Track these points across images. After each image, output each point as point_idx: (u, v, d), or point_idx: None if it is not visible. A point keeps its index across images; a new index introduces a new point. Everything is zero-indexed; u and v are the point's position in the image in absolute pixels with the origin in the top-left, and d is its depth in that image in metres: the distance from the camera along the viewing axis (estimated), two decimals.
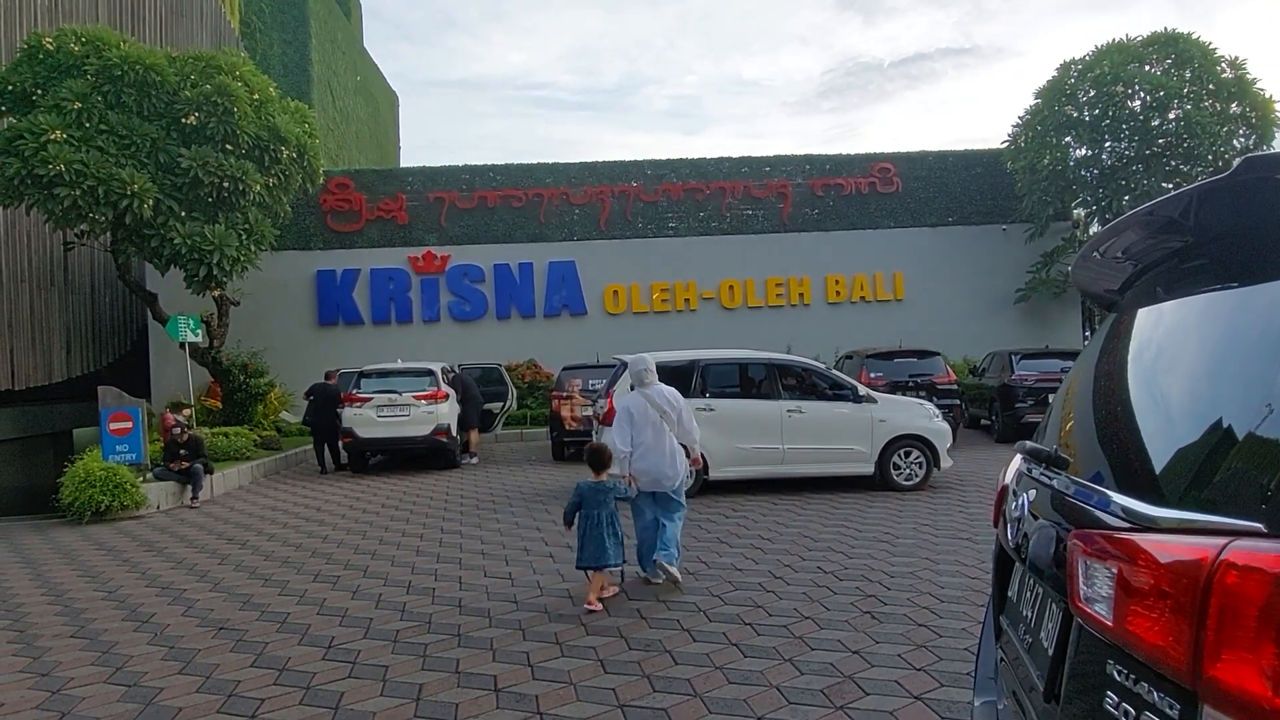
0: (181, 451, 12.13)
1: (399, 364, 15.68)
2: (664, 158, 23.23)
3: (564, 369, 16.45)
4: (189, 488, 12.03)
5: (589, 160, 22.80)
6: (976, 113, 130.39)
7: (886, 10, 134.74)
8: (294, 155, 17.08)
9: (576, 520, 6.32)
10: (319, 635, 5.78)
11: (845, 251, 22.76)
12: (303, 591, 6.95)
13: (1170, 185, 20.67)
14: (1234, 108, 20.06)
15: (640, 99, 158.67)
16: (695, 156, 23.14)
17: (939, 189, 23.25)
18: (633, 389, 7.08)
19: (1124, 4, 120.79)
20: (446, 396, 14.75)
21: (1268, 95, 19.92)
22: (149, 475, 12.07)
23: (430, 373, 14.97)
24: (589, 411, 14.27)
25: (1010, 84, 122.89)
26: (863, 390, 11.12)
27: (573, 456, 15.44)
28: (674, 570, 6.54)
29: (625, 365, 11.33)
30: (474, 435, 15.78)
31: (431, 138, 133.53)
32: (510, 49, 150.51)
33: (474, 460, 15.58)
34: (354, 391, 14.66)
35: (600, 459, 6.48)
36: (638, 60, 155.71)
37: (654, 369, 7.04)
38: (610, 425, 10.54)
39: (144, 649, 5.68)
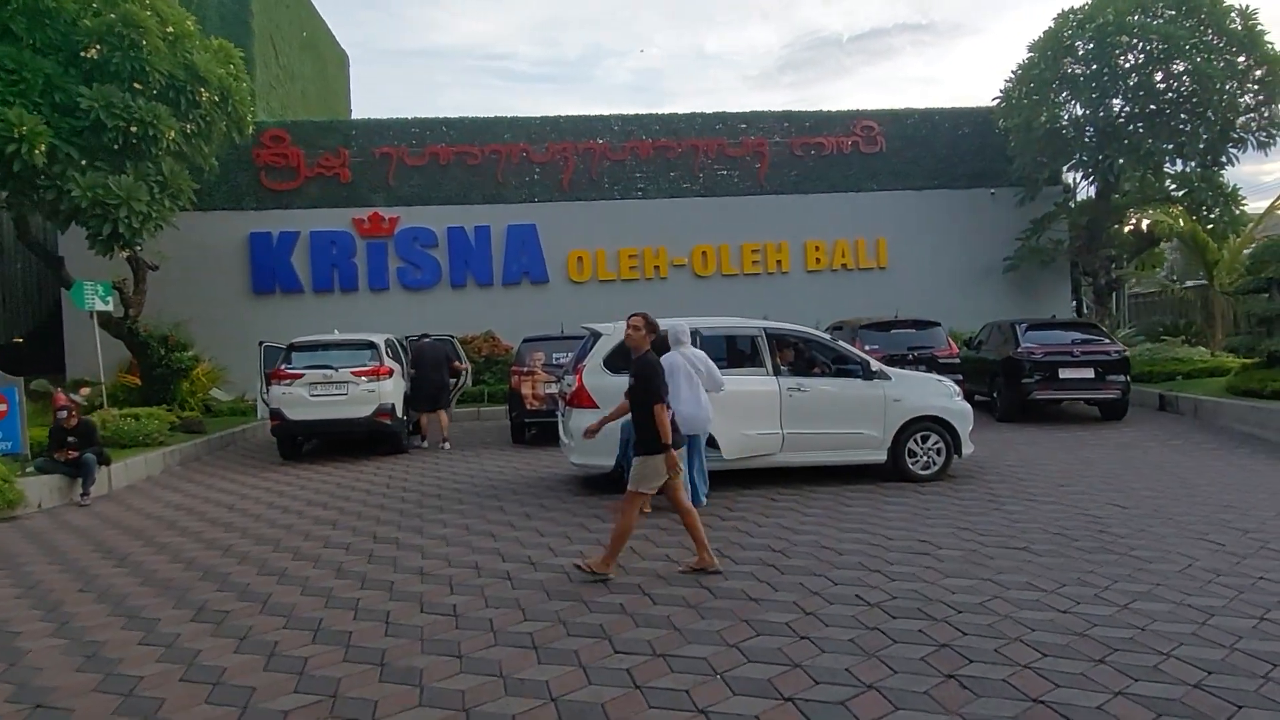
0: (69, 439, 10.23)
1: (335, 335, 13.85)
2: (632, 113, 21.42)
3: (524, 341, 14.66)
4: (80, 481, 10.17)
5: (550, 115, 20.97)
6: (935, 91, 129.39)
7: None
8: (216, 99, 15.01)
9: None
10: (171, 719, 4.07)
11: (826, 215, 21.16)
12: (174, 638, 5.19)
13: (1172, 146, 19.39)
14: (1242, 60, 18.73)
15: (602, 71, 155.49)
16: (665, 112, 21.38)
17: (925, 149, 21.75)
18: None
19: None
20: (390, 372, 12.96)
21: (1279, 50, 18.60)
22: (30, 468, 10.18)
23: (372, 345, 13.16)
24: (553, 389, 12.58)
25: (969, 63, 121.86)
26: (875, 365, 9.55)
27: (535, 439, 13.73)
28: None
29: (597, 336, 9.67)
30: (444, 417, 13.92)
31: (390, 109, 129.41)
32: (473, 18, 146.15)
33: (446, 446, 13.66)
34: (282, 367, 12.83)
35: None
36: (600, 31, 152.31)
37: (689, 331, 8.21)
38: (578, 406, 8.98)
39: None
